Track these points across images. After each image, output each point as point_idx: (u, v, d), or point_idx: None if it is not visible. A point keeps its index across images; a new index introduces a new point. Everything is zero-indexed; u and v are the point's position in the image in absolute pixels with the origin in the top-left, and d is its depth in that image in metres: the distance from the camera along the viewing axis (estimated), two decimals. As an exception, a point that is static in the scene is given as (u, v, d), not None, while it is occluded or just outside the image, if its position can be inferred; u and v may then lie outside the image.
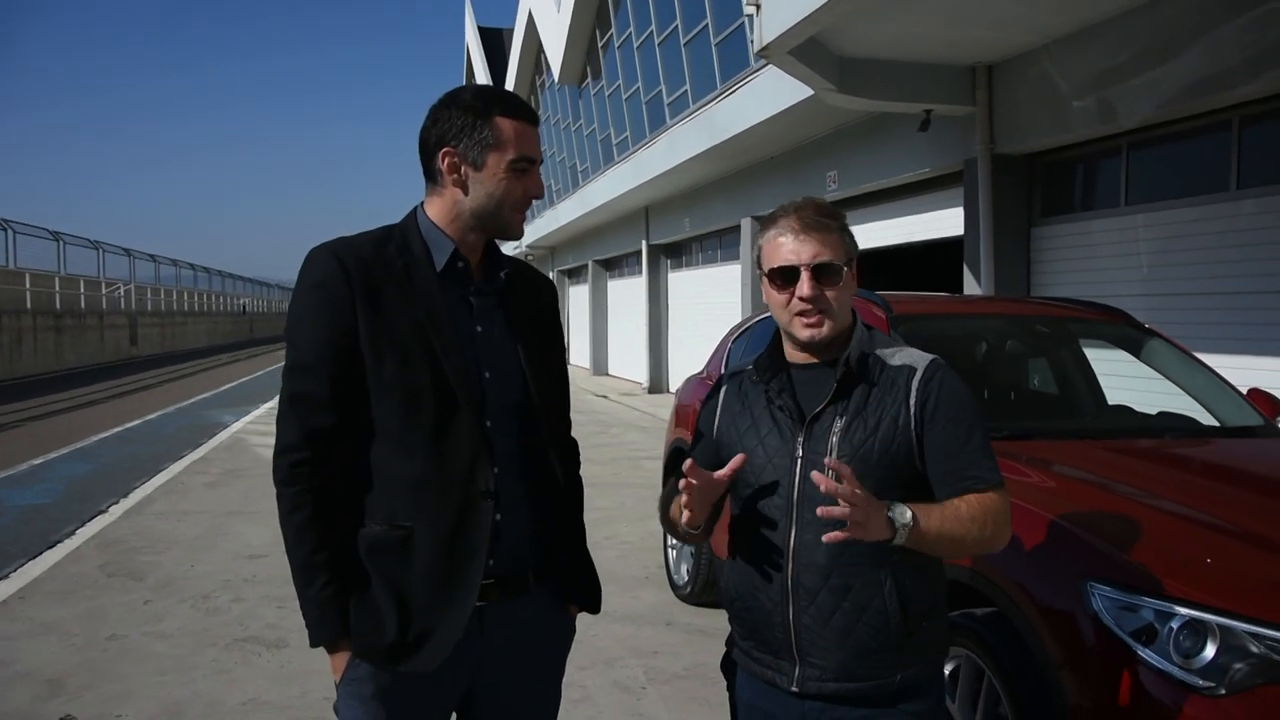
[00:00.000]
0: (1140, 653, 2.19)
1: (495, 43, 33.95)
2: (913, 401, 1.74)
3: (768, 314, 2.97)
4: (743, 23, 11.17)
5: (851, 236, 1.83)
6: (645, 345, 18.55)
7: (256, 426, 12.87)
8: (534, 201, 1.89)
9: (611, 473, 9.26)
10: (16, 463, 9.94)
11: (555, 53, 21.34)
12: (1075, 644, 2.31)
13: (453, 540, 1.72)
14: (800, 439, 1.76)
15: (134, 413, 14.90)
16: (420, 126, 1.80)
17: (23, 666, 4.26)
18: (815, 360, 1.81)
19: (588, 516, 2.01)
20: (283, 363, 1.78)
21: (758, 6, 6.59)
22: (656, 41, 15.09)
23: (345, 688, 1.76)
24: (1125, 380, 4.23)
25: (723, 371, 2.29)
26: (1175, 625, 2.18)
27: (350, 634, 1.73)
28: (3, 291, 23.31)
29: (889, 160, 8.97)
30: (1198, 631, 2.16)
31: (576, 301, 26.72)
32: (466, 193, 1.76)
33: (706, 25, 12.80)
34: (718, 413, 1.92)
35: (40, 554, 6.25)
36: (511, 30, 28.91)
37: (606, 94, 19.20)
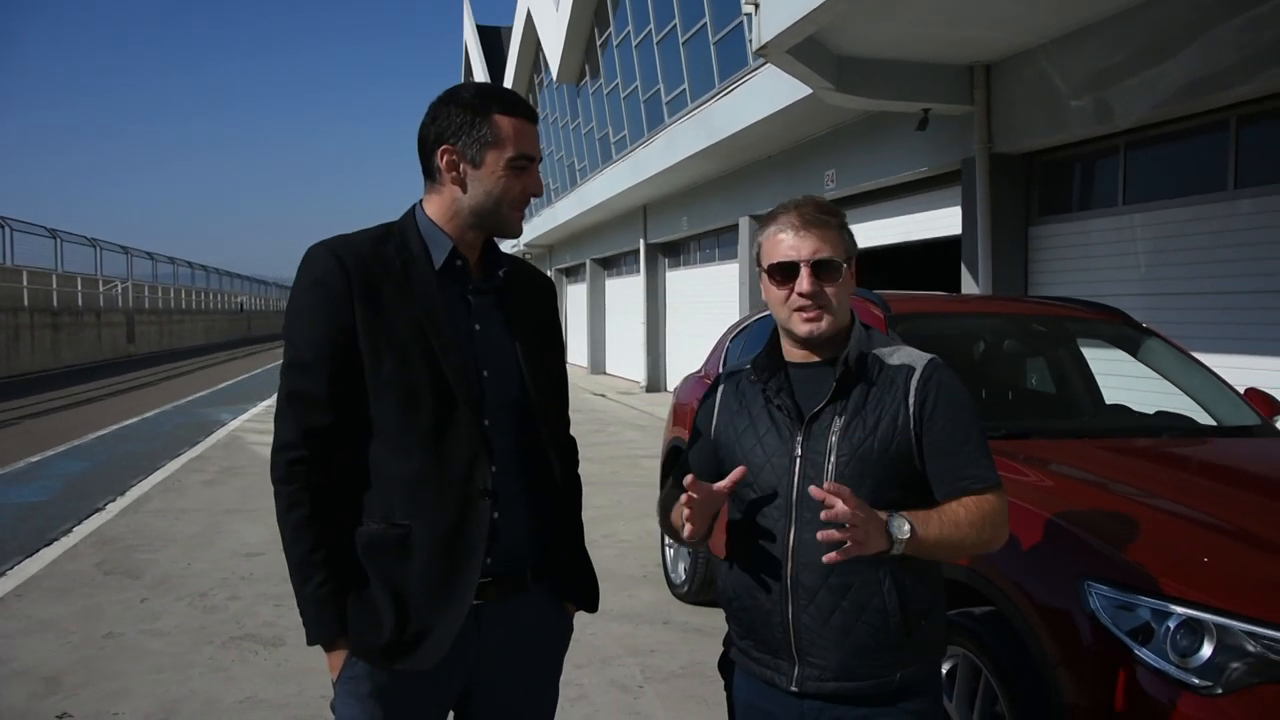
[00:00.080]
0: (1137, 652, 2.19)
1: (494, 41, 33.92)
2: (912, 401, 1.74)
3: (766, 313, 2.98)
4: (741, 22, 11.18)
5: (851, 234, 1.83)
6: (643, 344, 18.55)
7: (254, 424, 12.86)
8: (532, 200, 1.89)
9: (609, 471, 9.26)
10: (13, 460, 9.93)
11: (554, 51, 21.33)
12: (1072, 643, 2.32)
13: (450, 539, 1.72)
14: (799, 438, 1.76)
15: (131, 410, 14.88)
16: (419, 124, 1.80)
17: (19, 664, 4.26)
18: (814, 359, 1.81)
19: (585, 515, 2.01)
20: (280, 361, 1.78)
21: (756, 5, 6.58)
22: (655, 40, 15.08)
23: (342, 686, 1.75)
24: (1123, 380, 4.23)
25: (720, 370, 2.28)
26: (1172, 624, 2.18)
27: (347, 632, 1.73)
28: (0, 289, 23.28)
29: (887, 159, 8.97)
30: (1194, 631, 2.17)
31: (574, 300, 26.71)
32: (465, 190, 1.76)
33: (705, 24, 12.80)
34: (715, 412, 1.92)
35: (37, 551, 6.25)
36: (510, 29, 28.88)
37: (605, 92, 19.19)
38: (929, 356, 1.81)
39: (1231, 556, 2.45)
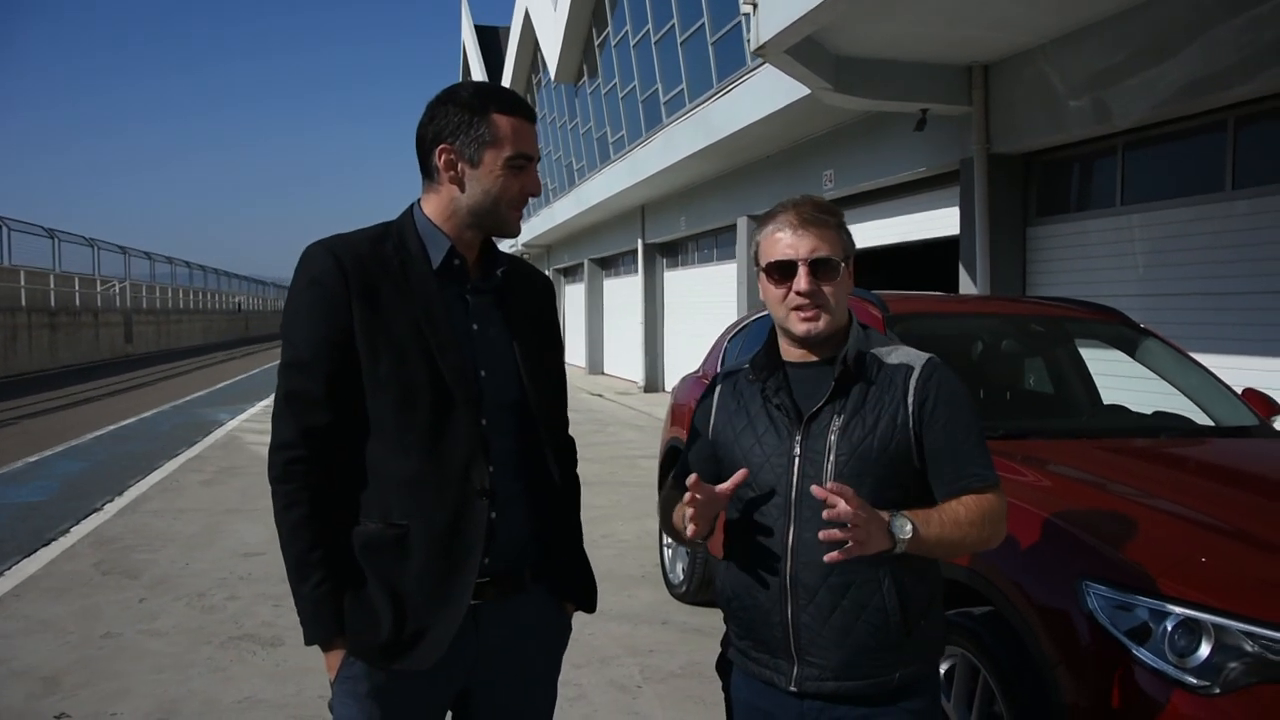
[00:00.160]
0: (1135, 652, 2.19)
1: (492, 41, 33.92)
2: (911, 400, 1.74)
3: (764, 313, 2.97)
4: (739, 21, 11.17)
5: (849, 233, 1.83)
6: (641, 344, 18.55)
7: (252, 424, 12.85)
8: (530, 200, 1.89)
9: (608, 471, 9.26)
10: (11, 460, 9.92)
11: (552, 51, 21.32)
12: (1070, 643, 2.32)
13: (448, 538, 1.71)
14: (798, 437, 1.76)
15: (129, 410, 14.86)
16: (417, 124, 1.79)
17: (18, 664, 4.25)
18: (812, 358, 1.81)
19: (584, 515, 2.01)
20: (278, 360, 1.78)
21: (754, 5, 6.58)
22: (653, 40, 15.08)
23: (340, 686, 1.75)
24: (1120, 380, 4.23)
25: (718, 370, 2.29)
26: (1170, 624, 2.18)
27: (345, 632, 1.72)
28: (-2, 289, 23.29)
29: (885, 159, 8.97)
30: (1192, 630, 2.17)
31: (572, 300, 26.71)
32: (463, 190, 1.76)
33: (703, 24, 12.80)
34: (713, 412, 1.91)
35: (35, 551, 6.24)
36: (508, 29, 28.88)
37: (603, 92, 19.19)
38: (927, 356, 1.81)
39: (1229, 556, 2.45)
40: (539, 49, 24.01)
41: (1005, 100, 7.27)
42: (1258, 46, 5.23)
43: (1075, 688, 2.28)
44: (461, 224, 1.79)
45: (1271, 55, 5.16)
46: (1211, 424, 3.72)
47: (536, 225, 25.62)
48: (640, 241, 18.26)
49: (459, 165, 1.74)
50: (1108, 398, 4.19)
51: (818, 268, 1.75)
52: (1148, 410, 3.92)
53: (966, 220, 7.66)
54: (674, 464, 1.67)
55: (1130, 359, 4.11)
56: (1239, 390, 3.88)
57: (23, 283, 24.93)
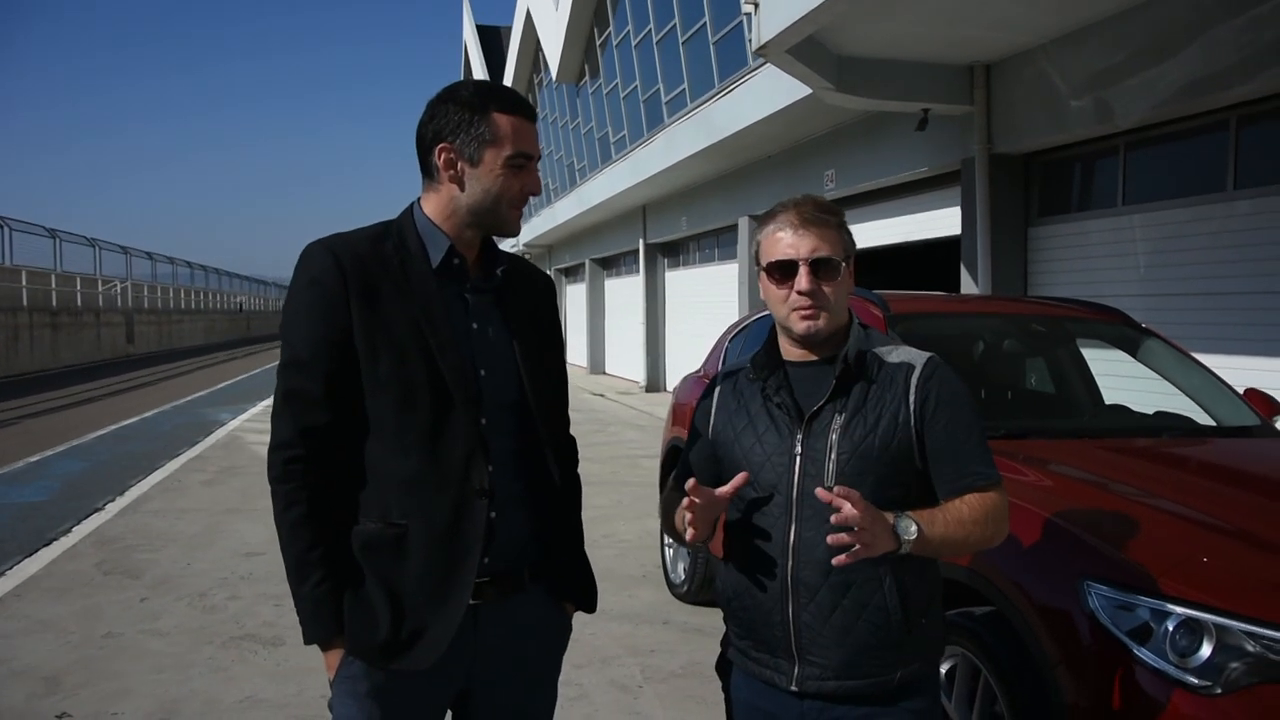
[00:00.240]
0: (1136, 652, 2.19)
1: (493, 41, 33.92)
2: (912, 399, 1.74)
3: (765, 313, 2.97)
4: (741, 21, 11.17)
5: (849, 233, 1.83)
6: (642, 344, 18.55)
7: (253, 424, 12.86)
8: (531, 199, 1.89)
9: (609, 471, 9.26)
10: (13, 460, 9.92)
11: (553, 51, 21.32)
12: (1071, 643, 2.31)
13: (447, 538, 1.71)
14: (799, 436, 1.75)
15: (130, 410, 14.87)
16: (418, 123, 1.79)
17: (19, 664, 4.25)
18: (812, 358, 1.81)
19: (585, 515, 2.00)
20: (279, 360, 1.78)
21: (756, 5, 6.58)
22: (654, 40, 15.08)
23: (339, 685, 1.75)
24: (1122, 380, 4.23)
25: (719, 370, 2.29)
26: (1171, 624, 2.18)
27: (344, 631, 1.72)
28: (-1, 289, 23.31)
29: (886, 159, 8.97)
30: (1194, 630, 2.16)
31: (574, 300, 26.71)
32: (463, 189, 1.75)
33: (705, 24, 12.79)
34: (713, 412, 1.91)
35: (36, 551, 6.24)
36: (510, 28, 28.88)
37: (604, 92, 19.19)
38: (928, 355, 1.81)
39: (1231, 556, 2.45)
40: (540, 49, 24.00)
41: (1006, 100, 7.26)
42: (1258, 46, 5.23)
43: (1076, 688, 2.28)
44: (461, 223, 1.78)
45: (1272, 55, 5.15)
46: (1213, 424, 3.71)
47: (538, 225, 25.62)
48: (642, 241, 18.26)
49: (459, 164, 1.74)
50: (1109, 398, 4.19)
51: (818, 267, 1.75)
52: (1149, 410, 3.92)
53: (968, 220, 7.65)
54: (675, 464, 1.66)
55: (1132, 359, 4.10)
56: (1240, 390, 3.88)
57: (24, 283, 24.95)
